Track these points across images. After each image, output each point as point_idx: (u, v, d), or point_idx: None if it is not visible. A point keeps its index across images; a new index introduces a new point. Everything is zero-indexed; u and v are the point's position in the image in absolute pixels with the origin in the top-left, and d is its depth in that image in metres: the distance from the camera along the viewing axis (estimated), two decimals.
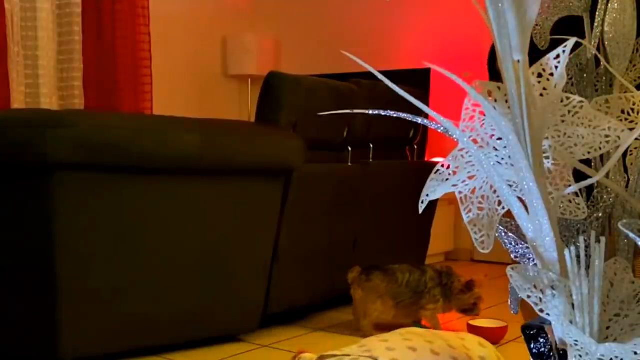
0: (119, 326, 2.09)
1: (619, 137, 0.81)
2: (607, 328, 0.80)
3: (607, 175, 1.00)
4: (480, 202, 0.87)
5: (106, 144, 1.95)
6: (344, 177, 2.78)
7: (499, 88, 0.82)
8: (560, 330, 0.82)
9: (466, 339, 1.34)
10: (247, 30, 5.37)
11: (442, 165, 0.91)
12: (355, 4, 5.04)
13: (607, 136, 0.81)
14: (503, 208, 0.87)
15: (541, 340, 0.91)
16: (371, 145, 3.01)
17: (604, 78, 1.03)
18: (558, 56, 0.81)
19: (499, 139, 0.84)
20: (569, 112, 0.82)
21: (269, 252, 2.43)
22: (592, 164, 1.04)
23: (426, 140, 4.00)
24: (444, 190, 0.89)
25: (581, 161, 0.85)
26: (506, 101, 0.80)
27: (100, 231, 2.01)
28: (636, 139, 0.89)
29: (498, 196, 0.86)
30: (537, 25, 1.06)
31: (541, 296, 0.79)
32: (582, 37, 1.01)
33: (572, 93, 1.04)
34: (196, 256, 2.22)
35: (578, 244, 0.80)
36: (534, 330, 0.91)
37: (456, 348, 1.25)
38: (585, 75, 1.04)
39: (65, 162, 1.89)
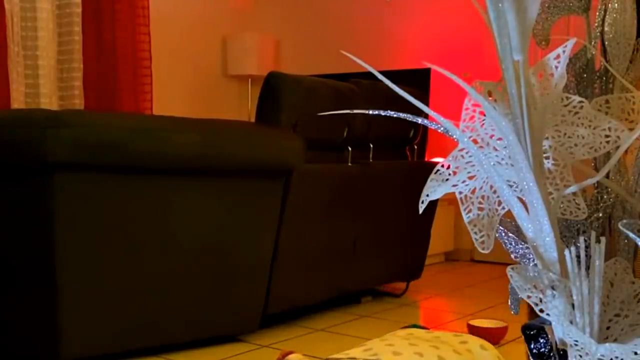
0: (119, 326, 2.09)
1: (619, 137, 0.81)
2: (607, 328, 0.80)
3: (607, 175, 1.00)
4: (480, 202, 0.87)
5: (106, 144, 1.95)
6: (344, 177, 2.78)
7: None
8: (560, 330, 0.82)
9: (469, 342, 1.34)
10: (247, 30, 5.37)
11: (442, 165, 0.91)
12: (355, 4, 5.04)
13: (607, 136, 0.81)
14: (503, 208, 0.87)
15: (541, 340, 0.91)
16: (371, 145, 3.01)
17: (604, 78, 1.03)
18: (558, 56, 0.81)
19: (499, 139, 0.84)
20: (569, 112, 0.82)
21: (269, 252, 2.43)
22: (592, 164, 1.04)
23: (426, 140, 4.00)
24: (444, 190, 0.89)
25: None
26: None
27: (100, 231, 2.01)
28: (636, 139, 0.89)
29: (498, 196, 0.86)
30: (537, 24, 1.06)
31: (541, 296, 0.79)
32: None
33: (572, 93, 1.04)
34: (196, 256, 2.22)
35: (578, 244, 0.80)
36: (534, 330, 0.91)
37: (461, 354, 1.25)
38: (585, 75, 1.04)
39: (65, 162, 1.89)
